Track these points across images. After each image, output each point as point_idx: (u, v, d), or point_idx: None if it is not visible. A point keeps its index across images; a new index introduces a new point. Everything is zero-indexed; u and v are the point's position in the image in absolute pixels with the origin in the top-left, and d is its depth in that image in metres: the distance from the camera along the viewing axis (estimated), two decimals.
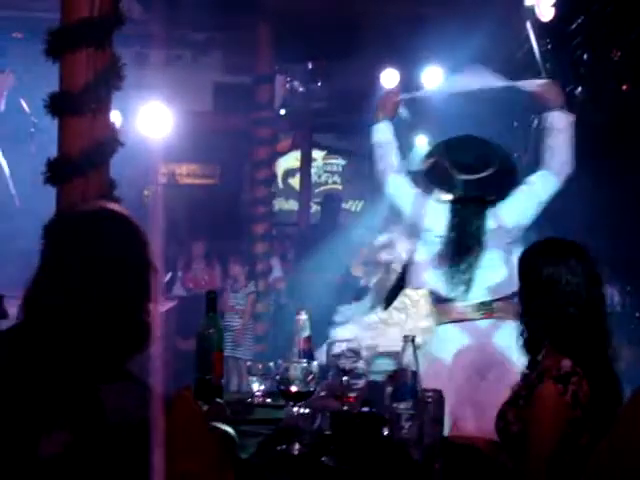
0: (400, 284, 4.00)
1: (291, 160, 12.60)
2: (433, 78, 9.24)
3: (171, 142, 8.73)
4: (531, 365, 2.78)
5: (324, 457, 2.33)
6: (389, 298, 4.01)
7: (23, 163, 8.00)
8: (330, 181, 13.78)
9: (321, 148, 12.88)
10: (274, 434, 2.55)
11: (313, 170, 12.22)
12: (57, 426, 1.69)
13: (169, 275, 8.13)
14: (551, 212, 3.90)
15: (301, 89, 9.93)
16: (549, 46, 6.69)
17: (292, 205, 12.31)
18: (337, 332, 3.74)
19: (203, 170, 12.35)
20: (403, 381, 2.40)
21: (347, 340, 2.88)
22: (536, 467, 2.56)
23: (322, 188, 13.49)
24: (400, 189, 3.89)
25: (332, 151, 13.27)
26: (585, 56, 6.35)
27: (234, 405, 2.83)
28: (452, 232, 3.77)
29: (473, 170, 3.79)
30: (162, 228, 2.18)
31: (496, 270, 3.73)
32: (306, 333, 2.92)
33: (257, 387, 3.04)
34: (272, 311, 8.51)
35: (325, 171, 13.77)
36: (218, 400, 2.69)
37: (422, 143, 10.65)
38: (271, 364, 3.07)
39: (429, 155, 3.98)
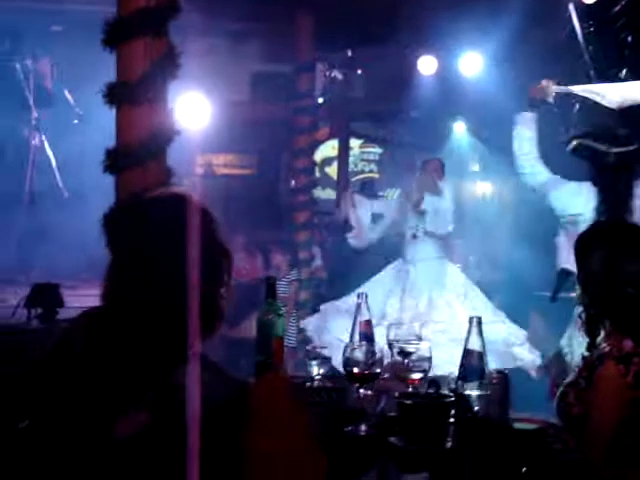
0: None
1: (328, 149, 12.56)
2: (471, 64, 9.22)
3: (208, 133, 8.79)
4: (591, 347, 2.78)
5: (391, 438, 2.35)
6: None
7: (69, 154, 8.08)
8: (367, 169, 13.74)
9: (358, 136, 12.83)
10: (339, 416, 2.57)
11: (350, 159, 12.18)
12: (134, 407, 1.71)
13: None
14: None
15: (340, 77, 9.92)
16: (592, 28, 6.61)
17: (329, 194, 12.29)
18: None
19: (240, 160, 12.36)
20: (469, 362, 2.42)
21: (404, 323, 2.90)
22: (598, 448, 2.56)
23: (359, 177, 13.46)
24: (535, 171, 4.56)
25: (369, 139, 13.22)
26: (629, 38, 6.27)
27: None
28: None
29: (622, 144, 4.29)
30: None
31: None
32: (366, 316, 2.93)
33: (316, 371, 3.07)
34: (314, 300, 8.52)
35: (362, 160, 13.72)
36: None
37: (460, 130, 10.66)
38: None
39: (573, 138, 4.45)
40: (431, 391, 2.47)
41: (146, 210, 1.91)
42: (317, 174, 10.20)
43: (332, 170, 12.56)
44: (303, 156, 8.69)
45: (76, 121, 8.41)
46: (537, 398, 3.63)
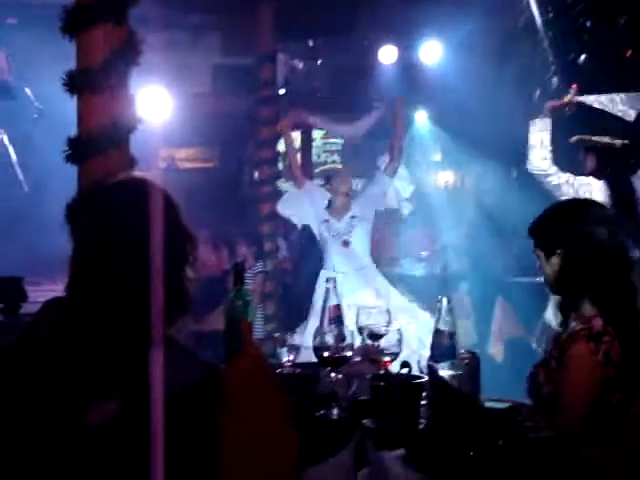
0: None
1: None
2: (432, 53, 9.25)
3: (170, 126, 8.72)
4: (564, 326, 2.79)
5: (365, 420, 2.34)
6: None
7: (28, 149, 7.97)
8: (330, 160, 13.71)
9: (320, 127, 12.80)
10: (311, 401, 2.56)
11: (313, 150, 12.15)
12: (105, 395, 1.69)
13: None
14: None
15: (301, 67, 9.89)
16: (550, 15, 6.67)
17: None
18: None
19: (203, 153, 12.28)
20: (440, 342, 2.42)
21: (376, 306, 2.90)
22: (571, 427, 2.58)
23: (322, 168, 13.44)
24: (541, 166, 4.96)
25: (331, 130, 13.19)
26: (588, 23, 6.33)
27: None
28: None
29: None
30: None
31: None
32: (335, 301, 2.92)
33: (286, 358, 3.06)
34: (280, 291, 8.51)
35: (324, 151, 13.69)
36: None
37: (422, 118, 10.67)
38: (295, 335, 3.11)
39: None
40: (403, 372, 2.47)
41: (108, 195, 1.89)
42: (280, 166, 10.16)
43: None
44: (266, 147, 8.67)
45: (36, 115, 8.29)
46: None
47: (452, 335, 2.42)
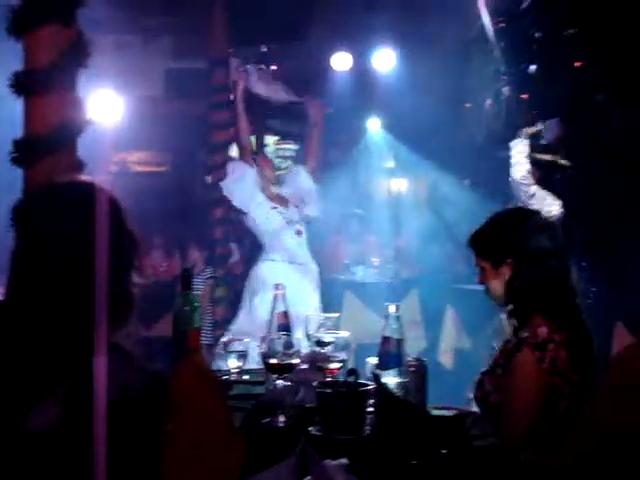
0: None
1: None
2: (385, 61, 9.28)
3: (122, 130, 8.64)
4: (514, 334, 2.81)
5: (311, 427, 2.33)
6: None
7: None
8: (283, 166, 13.67)
9: (273, 132, 12.77)
10: (257, 408, 2.55)
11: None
12: (46, 399, 1.67)
13: None
14: None
15: (254, 72, 9.84)
16: (502, 24, 6.74)
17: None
18: None
19: (155, 157, 12.19)
20: (388, 349, 2.42)
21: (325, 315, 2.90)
22: (516, 434, 2.60)
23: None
24: (524, 179, 5.73)
25: (284, 136, 13.17)
26: (537, 34, 6.40)
27: None
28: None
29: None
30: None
31: None
32: (283, 308, 2.91)
33: (234, 364, 3.04)
34: (231, 296, 8.46)
35: (277, 156, 13.64)
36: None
37: (375, 126, 10.71)
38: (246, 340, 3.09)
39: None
40: (350, 380, 2.46)
41: (54, 196, 1.87)
42: None
43: None
44: (219, 152, 8.62)
45: None
46: None
47: (399, 342, 2.42)
